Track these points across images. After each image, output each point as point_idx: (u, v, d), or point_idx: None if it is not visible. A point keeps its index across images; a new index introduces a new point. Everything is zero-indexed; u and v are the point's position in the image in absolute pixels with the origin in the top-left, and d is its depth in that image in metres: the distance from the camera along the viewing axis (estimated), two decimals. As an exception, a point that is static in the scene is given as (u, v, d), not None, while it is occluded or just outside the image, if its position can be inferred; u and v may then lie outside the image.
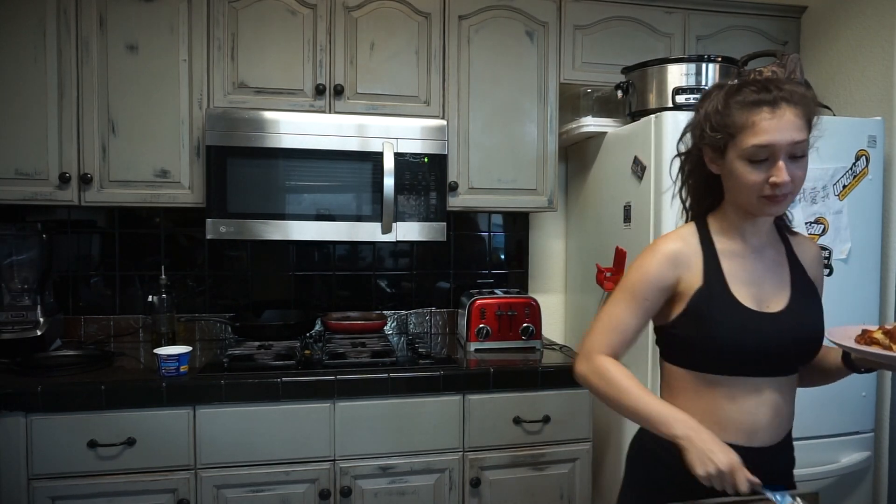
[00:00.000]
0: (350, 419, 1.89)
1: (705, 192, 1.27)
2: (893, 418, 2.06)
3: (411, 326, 2.60)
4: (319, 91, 2.15)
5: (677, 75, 2.01)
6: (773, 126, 1.09)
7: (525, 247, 2.69)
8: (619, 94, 2.18)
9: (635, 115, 2.10)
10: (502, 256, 2.68)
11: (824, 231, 1.90)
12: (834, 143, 1.91)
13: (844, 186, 1.91)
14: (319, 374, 1.88)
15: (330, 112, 2.16)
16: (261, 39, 2.12)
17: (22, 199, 2.01)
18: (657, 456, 1.21)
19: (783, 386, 1.19)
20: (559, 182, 2.66)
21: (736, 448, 1.09)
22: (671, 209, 1.84)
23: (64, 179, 2.01)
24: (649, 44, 2.39)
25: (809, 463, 1.88)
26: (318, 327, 2.44)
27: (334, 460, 1.88)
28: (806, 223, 1.88)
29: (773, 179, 1.10)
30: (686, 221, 1.30)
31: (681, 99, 1.99)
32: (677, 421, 1.08)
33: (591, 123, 2.29)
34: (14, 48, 1.98)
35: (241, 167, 2.04)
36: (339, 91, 2.16)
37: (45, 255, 2.17)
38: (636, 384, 1.15)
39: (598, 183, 2.35)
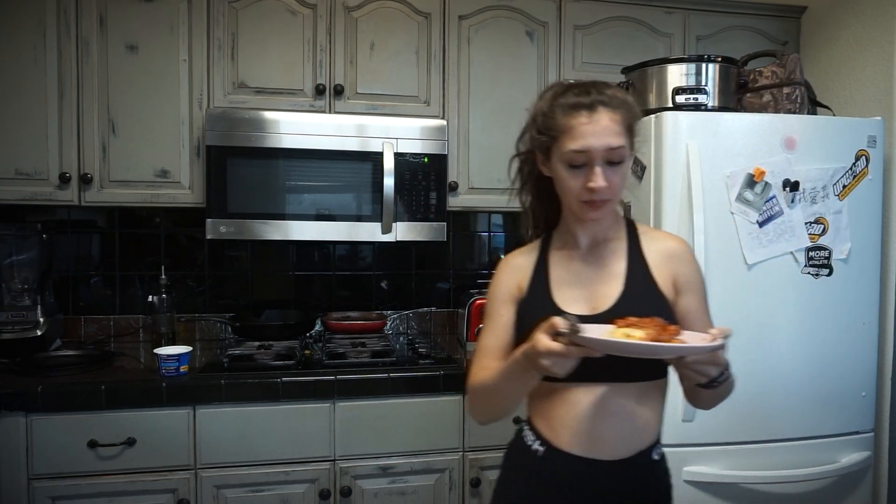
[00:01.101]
0: (350, 419, 1.89)
1: (546, 195, 1.24)
2: (893, 418, 2.06)
3: (411, 326, 2.60)
4: (319, 91, 2.15)
5: (677, 75, 2.01)
6: (589, 131, 1.07)
7: (525, 247, 2.69)
8: (619, 94, 2.17)
9: (635, 115, 2.09)
10: (502, 256, 2.67)
11: (824, 231, 1.90)
12: (834, 143, 1.91)
13: (844, 186, 1.91)
14: (319, 374, 1.88)
15: (330, 112, 2.16)
16: (261, 39, 2.12)
17: (22, 199, 2.01)
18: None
19: (633, 394, 1.12)
20: (559, 182, 2.66)
21: (575, 459, 1.09)
22: (671, 209, 1.84)
23: (64, 179, 2.01)
24: (649, 44, 2.39)
25: (809, 463, 1.88)
26: (318, 327, 2.44)
27: (334, 460, 1.88)
28: (806, 223, 1.88)
29: (589, 185, 1.08)
30: (529, 224, 1.31)
31: (681, 99, 1.99)
32: (516, 356, 1.04)
33: (591, 123, 2.29)
34: (14, 48, 1.98)
35: (241, 167, 2.04)
36: (339, 91, 2.16)
37: (45, 255, 2.17)
38: (493, 368, 1.13)
39: (598, 183, 2.35)
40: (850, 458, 1.93)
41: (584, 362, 0.98)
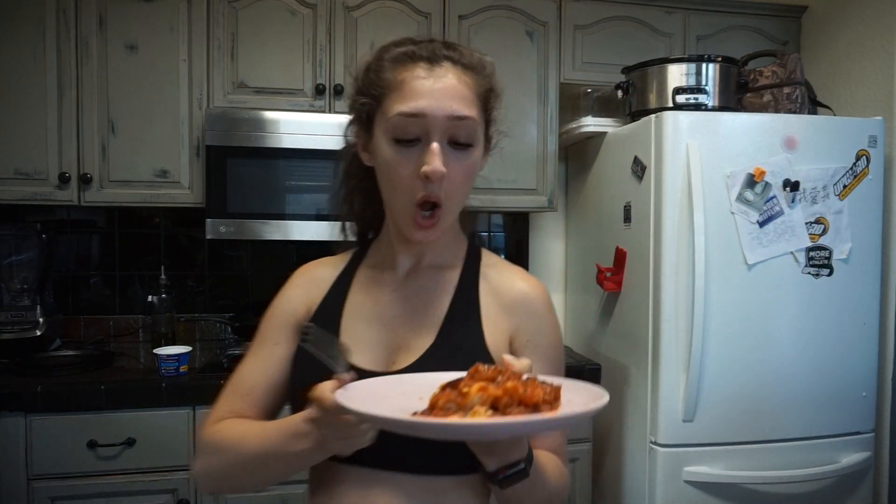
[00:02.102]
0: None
1: (365, 199, 0.92)
2: (893, 418, 2.06)
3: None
4: (319, 91, 2.15)
5: (677, 75, 2.01)
6: (427, 88, 0.76)
7: (525, 247, 2.69)
8: (620, 94, 2.18)
9: (635, 115, 2.09)
10: (502, 256, 2.67)
11: (824, 231, 1.90)
12: (834, 142, 1.91)
13: (845, 186, 1.91)
14: (319, 374, 1.88)
15: (330, 112, 2.16)
16: (261, 39, 2.12)
17: (21, 199, 2.01)
18: None
19: (416, 490, 0.79)
20: (559, 182, 2.66)
21: None
22: (672, 209, 1.84)
23: (63, 179, 2.01)
24: (649, 44, 2.39)
25: (809, 463, 1.88)
26: (317, 327, 2.44)
27: (334, 460, 1.88)
28: (806, 223, 1.88)
29: (423, 168, 0.75)
30: (349, 231, 0.99)
31: (681, 99, 1.99)
32: (296, 422, 0.72)
33: (591, 123, 2.29)
34: (14, 48, 1.98)
35: (240, 167, 2.04)
36: (339, 91, 2.15)
37: (45, 255, 2.17)
38: (252, 427, 0.80)
39: (598, 183, 2.35)
40: (850, 458, 1.93)
41: (386, 439, 0.67)
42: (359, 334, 0.85)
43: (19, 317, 2.11)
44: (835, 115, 2.15)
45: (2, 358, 1.97)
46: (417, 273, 0.89)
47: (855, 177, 1.92)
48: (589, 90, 2.38)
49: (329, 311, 0.87)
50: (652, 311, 1.89)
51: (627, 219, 2.07)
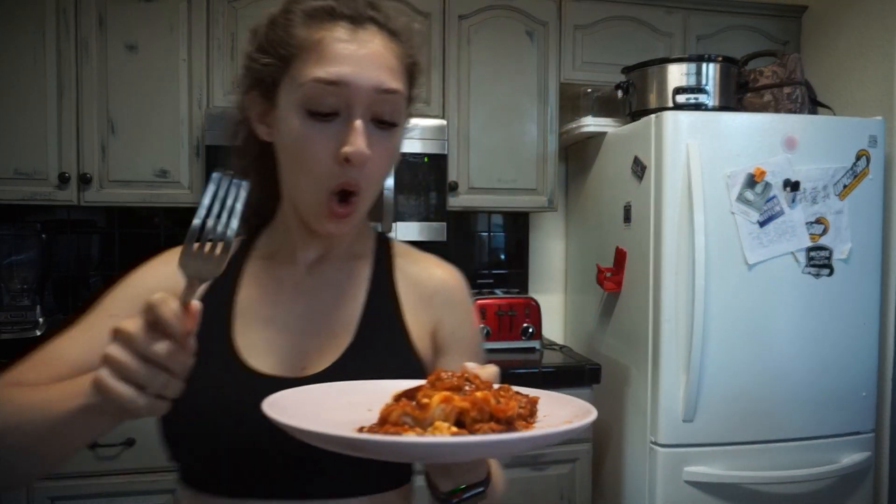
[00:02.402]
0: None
1: (258, 180, 0.75)
2: (894, 418, 2.06)
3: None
4: (319, 91, 2.15)
5: (678, 75, 2.01)
6: (350, 52, 0.65)
7: (525, 247, 2.69)
8: (620, 93, 2.18)
9: (635, 115, 2.09)
10: (502, 256, 2.67)
11: (825, 231, 1.90)
12: (834, 142, 1.91)
13: (845, 186, 1.91)
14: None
15: (330, 112, 2.16)
16: (260, 39, 2.12)
17: (21, 199, 2.01)
18: None
19: None
20: (559, 182, 2.66)
21: None
22: (672, 209, 1.84)
23: (63, 179, 2.01)
24: (649, 43, 2.39)
25: (809, 463, 1.88)
26: (317, 327, 2.44)
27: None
28: (806, 223, 1.88)
29: (345, 149, 0.64)
30: None
31: (681, 99, 1.99)
32: (75, 394, 0.55)
33: (591, 123, 2.29)
34: (13, 48, 1.97)
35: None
36: (338, 91, 2.15)
37: (45, 256, 2.17)
38: (39, 389, 0.63)
39: (598, 183, 2.35)
40: (850, 458, 1.93)
41: (279, 460, 0.61)
42: (256, 337, 0.71)
43: (19, 317, 2.11)
44: (835, 114, 2.15)
45: (1, 358, 1.97)
46: (323, 266, 0.76)
47: (855, 177, 1.92)
48: (589, 90, 2.38)
49: (215, 311, 0.71)
50: (652, 311, 1.89)
51: (627, 219, 2.07)
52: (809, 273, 1.89)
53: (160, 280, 0.72)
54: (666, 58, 2.08)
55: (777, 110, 2.03)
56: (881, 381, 2.05)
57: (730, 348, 1.84)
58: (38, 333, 2.09)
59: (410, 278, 0.79)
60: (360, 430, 0.52)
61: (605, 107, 2.37)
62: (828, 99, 2.26)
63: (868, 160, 1.93)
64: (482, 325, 2.23)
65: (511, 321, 2.24)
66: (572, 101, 2.45)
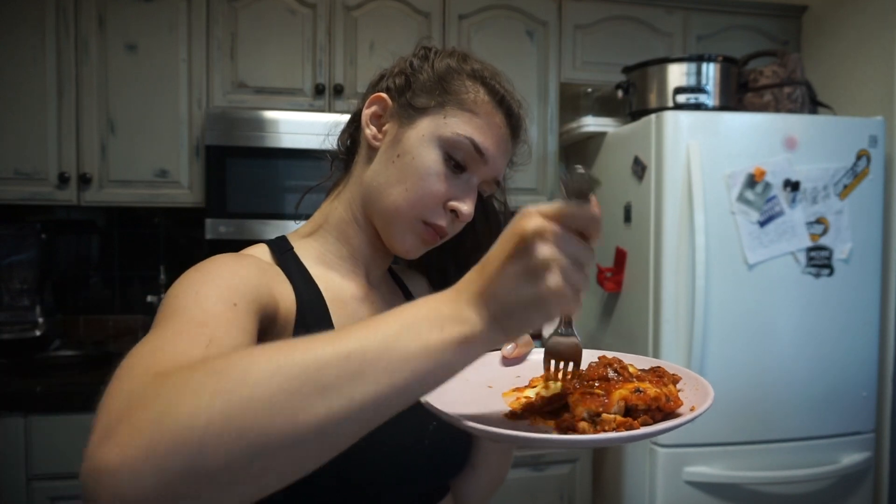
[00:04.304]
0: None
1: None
2: (894, 419, 2.06)
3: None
4: (319, 91, 2.15)
5: (678, 75, 2.01)
6: (500, 139, 0.75)
7: (525, 247, 2.68)
8: (620, 93, 2.17)
9: (636, 115, 2.09)
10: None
11: (825, 231, 1.90)
12: (834, 142, 1.91)
13: (845, 186, 1.91)
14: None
15: (330, 112, 2.16)
16: (260, 39, 2.12)
17: (21, 199, 2.01)
18: None
19: None
20: (559, 182, 2.66)
21: None
22: (672, 209, 1.84)
23: (63, 179, 2.00)
24: (650, 43, 2.39)
25: (809, 463, 1.88)
26: (317, 327, 2.44)
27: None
28: (807, 223, 1.88)
29: (457, 204, 0.73)
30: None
31: (681, 99, 1.99)
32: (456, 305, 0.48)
33: (591, 123, 2.29)
34: (13, 48, 1.97)
35: (240, 167, 2.04)
36: (338, 91, 2.15)
37: (45, 256, 2.17)
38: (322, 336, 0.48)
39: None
40: (850, 458, 1.93)
41: (392, 477, 0.64)
42: None
43: (19, 317, 2.11)
44: (835, 114, 2.15)
45: (1, 358, 1.97)
46: (380, 285, 0.82)
47: (855, 177, 1.92)
48: (589, 90, 2.38)
49: (318, 316, 0.69)
50: (652, 311, 1.89)
51: (628, 219, 2.07)
52: (810, 273, 1.89)
53: (259, 279, 0.64)
54: (666, 58, 2.08)
55: (777, 110, 2.03)
56: (881, 381, 2.05)
57: (730, 348, 1.84)
58: (38, 333, 2.09)
59: (405, 272, 0.89)
60: (511, 415, 0.56)
61: (606, 107, 2.37)
62: (828, 99, 2.26)
63: (868, 160, 1.93)
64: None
65: (511, 321, 2.24)
66: (572, 101, 2.45)
